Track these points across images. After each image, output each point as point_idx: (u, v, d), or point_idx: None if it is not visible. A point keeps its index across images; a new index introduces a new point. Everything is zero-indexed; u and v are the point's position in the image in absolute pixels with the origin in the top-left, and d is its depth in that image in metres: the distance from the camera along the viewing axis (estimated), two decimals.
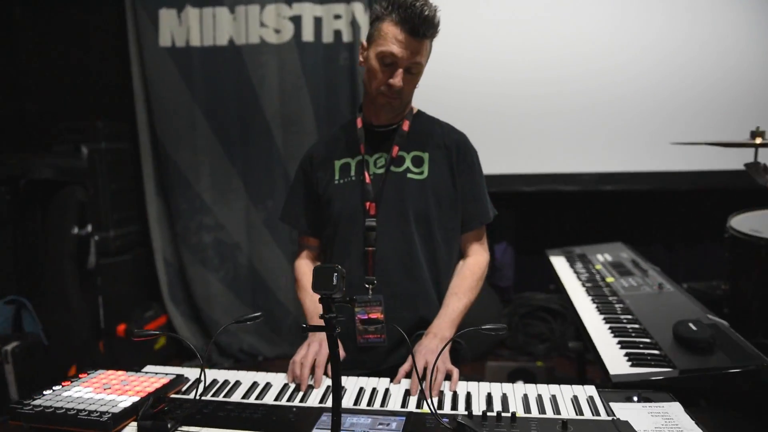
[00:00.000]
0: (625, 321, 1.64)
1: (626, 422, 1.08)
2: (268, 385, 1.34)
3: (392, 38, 1.37)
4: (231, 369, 1.44)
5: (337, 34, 3.26)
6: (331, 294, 0.96)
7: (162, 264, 3.40)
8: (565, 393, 1.25)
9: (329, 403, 1.23)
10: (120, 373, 1.35)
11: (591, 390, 1.26)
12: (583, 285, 1.97)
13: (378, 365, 1.50)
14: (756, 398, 1.30)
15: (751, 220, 2.22)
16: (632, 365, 1.37)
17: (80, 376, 1.32)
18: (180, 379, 1.32)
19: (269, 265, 3.47)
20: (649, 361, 1.38)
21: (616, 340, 1.51)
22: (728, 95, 3.03)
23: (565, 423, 1.06)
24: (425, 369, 1.30)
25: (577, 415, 1.15)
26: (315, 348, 1.39)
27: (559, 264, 2.27)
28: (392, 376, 1.47)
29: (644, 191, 3.15)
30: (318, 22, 3.24)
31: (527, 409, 1.18)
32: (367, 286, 1.49)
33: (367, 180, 1.51)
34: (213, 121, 3.31)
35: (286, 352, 3.49)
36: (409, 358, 1.38)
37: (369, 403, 1.24)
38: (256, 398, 1.28)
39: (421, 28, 1.34)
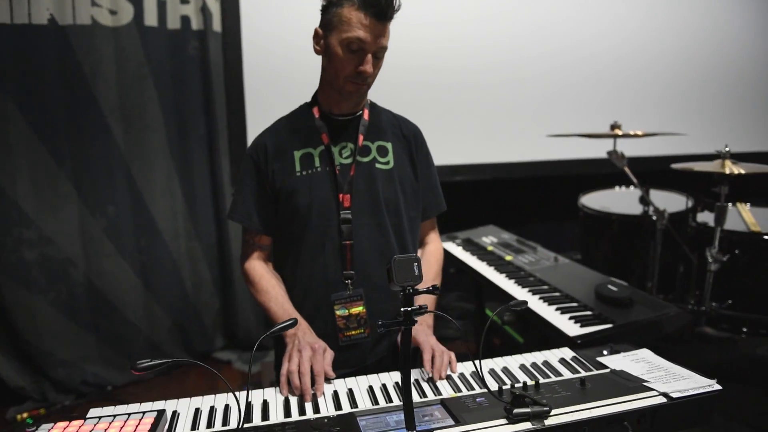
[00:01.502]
0: (547, 290, 1.85)
1: (623, 371, 1.25)
2: (266, 404, 1.21)
3: (357, 23, 1.31)
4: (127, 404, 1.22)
5: (185, 20, 2.96)
6: (414, 284, 0.93)
7: None
8: (549, 357, 1.38)
9: (347, 408, 1.17)
10: (76, 423, 1.08)
11: (568, 351, 1.41)
12: (489, 265, 2.16)
13: (362, 361, 1.46)
14: (675, 334, 1.60)
15: (597, 198, 2.67)
16: (581, 326, 1.57)
17: None
18: (163, 416, 1.11)
19: (113, 280, 3.01)
20: (590, 320, 1.60)
21: (554, 307, 1.71)
22: (590, 93, 3.54)
23: (582, 381, 1.18)
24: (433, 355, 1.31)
25: (574, 374, 1.28)
26: (308, 354, 1.29)
27: (454, 249, 2.44)
28: (379, 371, 1.45)
29: (486, 180, 3.52)
30: (162, 5, 2.90)
31: (533, 376, 1.28)
32: (346, 281, 1.43)
33: (336, 171, 1.44)
34: (31, 115, 2.73)
35: (139, 376, 3.08)
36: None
37: (389, 401, 1.20)
38: (263, 419, 1.15)
39: (388, 10, 1.31)
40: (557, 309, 1.69)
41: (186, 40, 2.98)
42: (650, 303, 1.66)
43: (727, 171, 1.90)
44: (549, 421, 1.04)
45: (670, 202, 2.38)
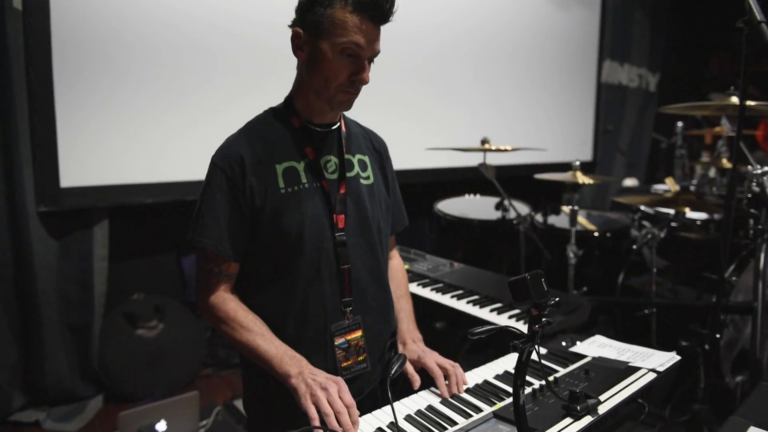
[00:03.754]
0: (465, 294, 1.98)
1: (601, 357, 1.44)
2: None
3: (354, 27, 1.20)
4: None
5: None
6: (546, 300, 0.94)
7: None
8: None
9: None
10: None
11: (541, 349, 1.55)
12: None
13: (361, 392, 1.34)
14: (582, 318, 1.88)
15: (451, 205, 2.92)
16: (524, 323, 1.74)
17: None
18: None
19: None
20: (526, 316, 1.78)
21: (487, 309, 1.85)
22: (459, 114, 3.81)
23: (587, 370, 1.33)
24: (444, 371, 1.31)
25: (565, 367, 1.42)
26: (335, 389, 1.15)
27: None
28: (375, 397, 1.39)
29: None
30: None
31: (535, 376, 1.38)
32: (345, 309, 1.31)
33: (326, 188, 1.31)
34: None
35: None
36: (409, 367, 1.35)
37: (441, 427, 1.15)
38: None
39: (390, 13, 1.23)
40: (492, 310, 1.83)
41: (2, 20, 2.30)
42: (563, 297, 1.92)
43: (580, 181, 2.30)
44: (600, 411, 1.16)
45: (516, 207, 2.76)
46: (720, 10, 5.92)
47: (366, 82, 1.27)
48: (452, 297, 1.96)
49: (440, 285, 2.08)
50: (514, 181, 2.84)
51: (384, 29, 1.26)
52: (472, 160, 3.28)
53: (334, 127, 1.38)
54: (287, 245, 1.28)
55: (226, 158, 1.27)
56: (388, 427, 1.15)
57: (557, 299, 0.98)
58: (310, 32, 1.24)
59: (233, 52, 2.99)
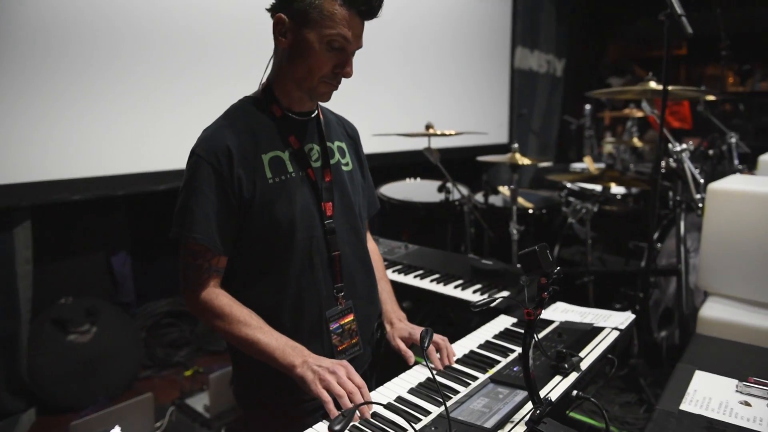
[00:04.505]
0: (426, 273, 2.06)
1: (567, 321, 1.58)
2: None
3: (342, 20, 1.22)
4: None
5: None
6: (553, 270, 1.03)
7: None
8: (504, 325, 1.61)
9: (420, 414, 1.16)
10: None
11: (508, 318, 1.67)
12: None
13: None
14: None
15: (394, 189, 2.99)
16: (488, 296, 1.84)
17: None
18: None
19: None
20: (489, 291, 1.90)
21: (451, 286, 1.94)
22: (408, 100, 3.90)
23: (560, 333, 1.47)
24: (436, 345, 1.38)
25: (537, 333, 1.53)
26: (343, 372, 1.18)
27: None
28: (366, 378, 1.43)
29: None
30: None
31: (513, 342, 1.49)
32: (338, 295, 1.34)
33: (312, 176, 1.32)
34: None
35: None
36: (401, 345, 1.40)
37: (446, 397, 1.22)
38: None
39: (378, 10, 1.27)
40: (455, 287, 1.93)
41: None
42: (515, 271, 2.05)
43: (520, 162, 2.45)
44: (583, 366, 1.28)
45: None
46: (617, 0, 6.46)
47: (349, 76, 1.29)
48: (415, 277, 2.04)
49: (400, 266, 2.15)
50: (445, 164, 2.96)
51: None
52: (406, 145, 3.38)
53: (313, 115, 1.39)
54: (279, 236, 1.28)
55: (211, 150, 1.24)
56: (395, 401, 1.21)
57: (559, 268, 1.08)
58: (295, 20, 1.24)
59: (173, 35, 2.83)
